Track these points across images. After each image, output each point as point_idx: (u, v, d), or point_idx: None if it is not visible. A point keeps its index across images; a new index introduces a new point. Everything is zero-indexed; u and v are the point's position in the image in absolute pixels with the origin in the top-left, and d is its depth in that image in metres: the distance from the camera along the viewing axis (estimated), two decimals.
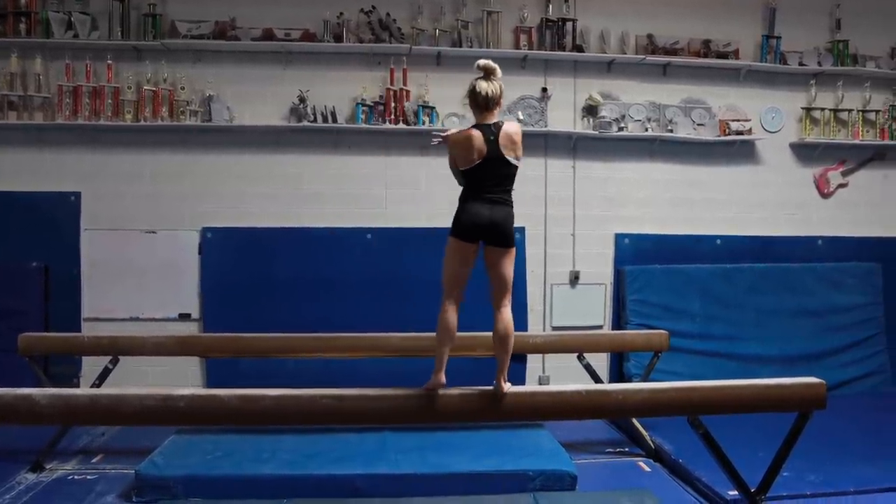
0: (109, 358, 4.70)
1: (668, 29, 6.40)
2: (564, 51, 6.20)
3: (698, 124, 6.42)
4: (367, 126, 6.02)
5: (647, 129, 6.34)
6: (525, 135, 3.55)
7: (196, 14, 5.98)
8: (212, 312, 5.98)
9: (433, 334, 3.33)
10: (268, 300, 5.93)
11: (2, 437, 4.45)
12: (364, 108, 6.01)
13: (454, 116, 6.06)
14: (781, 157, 6.63)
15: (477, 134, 3.28)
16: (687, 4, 6.46)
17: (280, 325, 5.22)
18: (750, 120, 6.46)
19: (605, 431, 5.32)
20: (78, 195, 5.94)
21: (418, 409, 3.39)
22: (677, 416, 3.61)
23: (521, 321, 5.85)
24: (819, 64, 6.54)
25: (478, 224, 3.26)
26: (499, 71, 3.34)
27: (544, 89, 6.21)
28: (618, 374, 6.20)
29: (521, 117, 6.09)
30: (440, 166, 6.21)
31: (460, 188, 3.35)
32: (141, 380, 5.51)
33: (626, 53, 6.32)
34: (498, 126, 3.30)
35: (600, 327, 6.34)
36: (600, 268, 6.38)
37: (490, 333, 3.34)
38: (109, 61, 5.83)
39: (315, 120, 5.99)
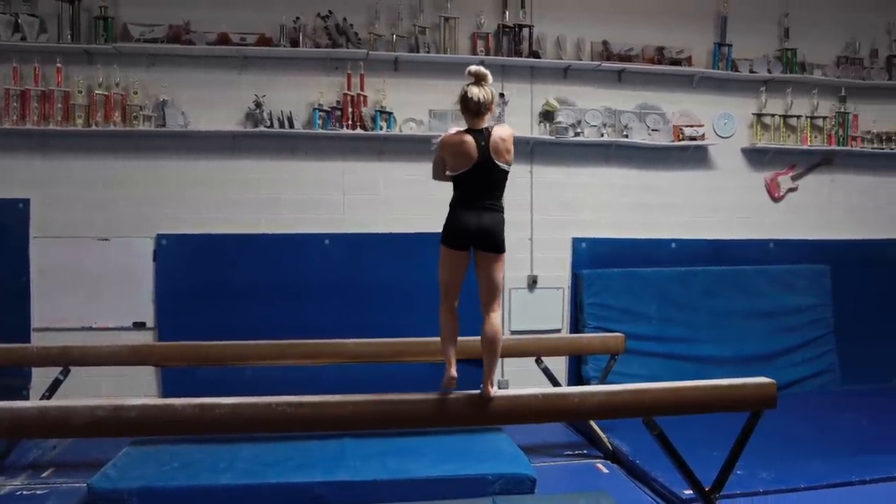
0: (60, 369, 4.59)
1: (623, 36, 6.49)
2: (521, 57, 6.25)
3: (653, 130, 6.52)
4: (325, 131, 5.99)
5: (602, 135, 6.42)
6: None
7: (149, 17, 5.89)
8: (167, 321, 5.88)
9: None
10: (225, 308, 5.85)
11: None
12: (321, 113, 5.98)
13: (412, 122, 6.04)
14: (734, 161, 6.78)
15: (469, 139, 3.28)
16: (641, 12, 6.56)
17: (238, 333, 5.12)
18: (703, 125, 6.59)
19: (564, 434, 5.35)
20: (27, 202, 5.80)
21: (376, 415, 3.39)
22: (634, 418, 3.65)
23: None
24: (769, 71, 6.70)
25: (466, 232, 3.27)
26: (490, 77, 3.37)
27: (501, 95, 6.23)
28: (576, 378, 6.26)
29: None
30: (398, 171, 6.30)
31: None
32: (94, 391, 5.38)
33: (581, 60, 6.40)
34: (488, 131, 3.31)
35: (558, 331, 6.39)
36: (558, 272, 6.43)
37: (476, 338, 3.35)
38: (59, 64, 5.70)
39: (272, 125, 5.93)
